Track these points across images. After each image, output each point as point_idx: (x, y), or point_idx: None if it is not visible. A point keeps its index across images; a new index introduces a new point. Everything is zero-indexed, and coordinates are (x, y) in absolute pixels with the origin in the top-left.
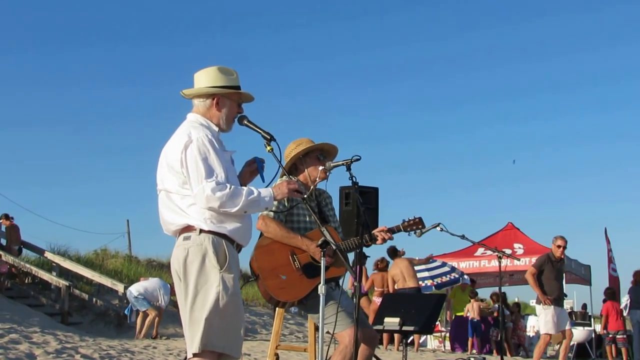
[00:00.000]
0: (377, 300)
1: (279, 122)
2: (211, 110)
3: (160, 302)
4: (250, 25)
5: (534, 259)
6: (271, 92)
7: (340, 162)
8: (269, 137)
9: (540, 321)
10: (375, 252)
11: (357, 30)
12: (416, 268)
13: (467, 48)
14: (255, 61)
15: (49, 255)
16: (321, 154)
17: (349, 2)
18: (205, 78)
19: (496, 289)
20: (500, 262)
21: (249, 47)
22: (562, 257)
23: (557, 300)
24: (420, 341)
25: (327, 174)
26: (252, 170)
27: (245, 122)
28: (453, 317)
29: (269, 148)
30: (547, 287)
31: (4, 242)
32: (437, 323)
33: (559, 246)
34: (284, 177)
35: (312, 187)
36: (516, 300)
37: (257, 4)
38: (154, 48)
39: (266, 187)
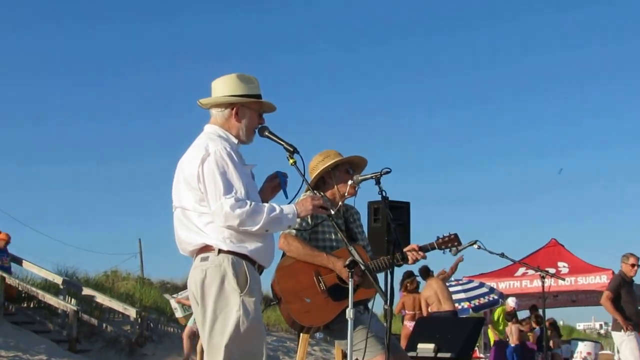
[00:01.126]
0: (408, 324)
1: (300, 131)
2: (230, 121)
3: None
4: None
5: (580, 279)
6: (288, 97)
7: (369, 176)
8: (292, 149)
9: (624, 350)
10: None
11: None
12: (452, 289)
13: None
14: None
15: (55, 277)
16: (350, 167)
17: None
18: (224, 86)
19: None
20: (543, 283)
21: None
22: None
23: (637, 325)
24: None
25: (356, 188)
26: (274, 185)
27: (267, 133)
28: (493, 342)
29: (292, 161)
30: (627, 311)
31: None
32: (475, 349)
33: (633, 265)
34: (308, 192)
35: (339, 203)
36: (561, 323)
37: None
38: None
39: (289, 203)
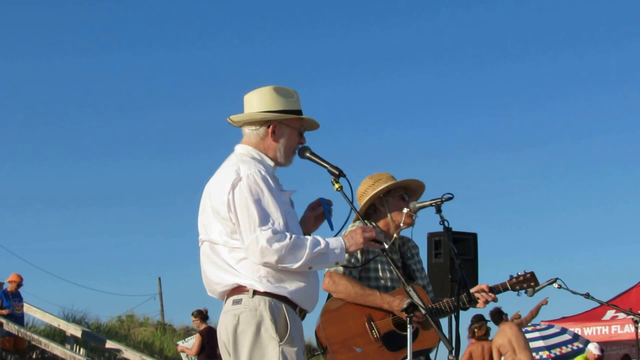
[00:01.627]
0: None
1: (345, 151)
2: (266, 141)
3: None
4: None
5: None
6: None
7: (428, 202)
8: (337, 173)
9: None
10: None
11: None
12: (528, 336)
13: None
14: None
15: (61, 322)
16: (405, 192)
17: None
18: (259, 100)
19: None
20: (637, 328)
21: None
22: None
23: None
24: None
25: (413, 217)
26: (317, 215)
27: (308, 154)
28: None
29: (337, 186)
30: None
31: None
32: None
33: None
34: (358, 222)
35: (394, 235)
36: None
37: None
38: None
39: (335, 235)
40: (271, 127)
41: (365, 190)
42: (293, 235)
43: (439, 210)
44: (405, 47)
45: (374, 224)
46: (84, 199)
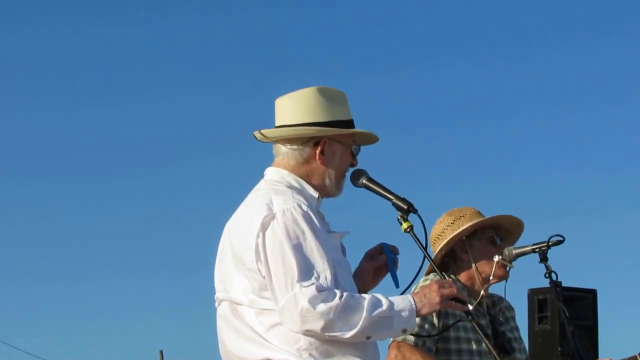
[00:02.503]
0: None
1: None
2: (312, 164)
3: None
4: None
5: None
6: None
7: (529, 248)
8: (406, 207)
9: None
10: None
11: None
12: None
13: None
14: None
15: None
16: (497, 234)
17: None
18: (304, 109)
19: None
20: None
21: None
22: None
23: None
24: None
25: (508, 268)
26: (378, 266)
27: (365, 180)
28: None
29: (405, 225)
30: None
31: None
32: None
33: None
34: (432, 275)
35: (482, 292)
36: None
37: None
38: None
39: (403, 293)
40: (320, 145)
41: (443, 232)
42: (345, 294)
43: (544, 259)
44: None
45: (453, 277)
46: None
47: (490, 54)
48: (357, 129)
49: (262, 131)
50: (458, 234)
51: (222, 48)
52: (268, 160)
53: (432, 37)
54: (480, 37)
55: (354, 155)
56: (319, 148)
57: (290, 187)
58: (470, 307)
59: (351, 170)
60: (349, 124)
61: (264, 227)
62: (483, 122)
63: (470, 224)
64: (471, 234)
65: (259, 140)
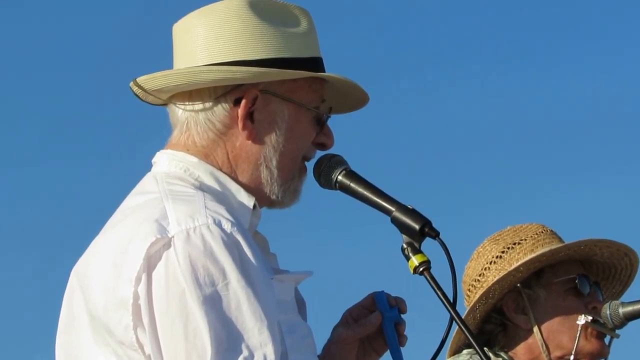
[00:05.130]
0: None
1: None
2: (234, 140)
3: None
4: None
5: None
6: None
7: None
8: (417, 227)
9: None
10: None
11: None
12: None
13: None
14: None
15: None
16: (584, 275)
17: None
18: (212, 35)
19: None
20: None
21: None
22: None
23: None
24: None
25: (609, 340)
26: (369, 336)
27: (341, 176)
28: None
29: (417, 262)
30: None
31: None
32: None
33: None
34: (465, 352)
35: None
36: None
37: None
38: None
39: None
40: (244, 100)
41: (483, 273)
42: None
43: None
44: None
45: (505, 356)
46: None
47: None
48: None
49: (140, 79)
50: (508, 276)
51: None
52: None
53: None
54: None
55: (321, 126)
56: (244, 107)
57: (202, 187)
58: None
59: (318, 155)
60: (311, 64)
61: (150, 264)
62: None
63: (531, 257)
64: (534, 276)
65: (143, 100)
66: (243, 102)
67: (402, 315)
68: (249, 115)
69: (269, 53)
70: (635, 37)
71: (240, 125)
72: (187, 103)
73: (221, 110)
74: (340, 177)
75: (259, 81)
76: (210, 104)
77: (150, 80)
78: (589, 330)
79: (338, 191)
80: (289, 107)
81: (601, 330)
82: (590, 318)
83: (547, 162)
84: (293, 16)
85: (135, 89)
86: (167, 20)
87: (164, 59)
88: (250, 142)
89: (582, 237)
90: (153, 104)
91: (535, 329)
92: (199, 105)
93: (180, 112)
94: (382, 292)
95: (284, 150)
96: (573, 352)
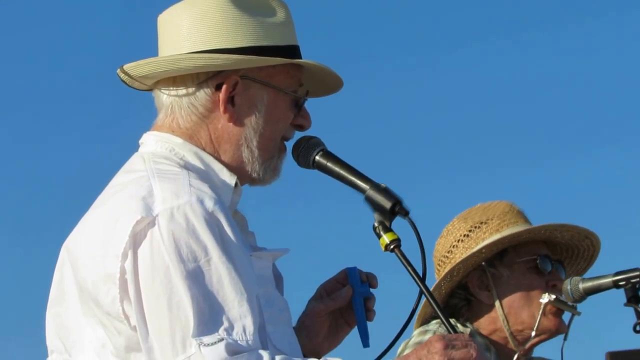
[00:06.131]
0: None
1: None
2: (215, 122)
3: None
4: None
5: None
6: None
7: (608, 280)
8: (388, 206)
9: None
10: None
11: None
12: None
13: None
14: None
15: None
16: (546, 255)
17: None
18: (194, 25)
19: None
20: None
21: None
22: None
23: None
24: None
25: (570, 317)
26: (340, 309)
27: (318, 156)
28: None
29: (388, 239)
30: None
31: None
32: None
33: None
34: (433, 324)
35: (517, 356)
36: None
37: None
38: None
39: (380, 357)
40: (225, 86)
41: (451, 250)
42: (277, 358)
43: (635, 299)
44: None
45: (470, 326)
46: None
47: None
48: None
49: (126, 66)
50: (471, 257)
51: None
52: None
53: None
54: None
55: (299, 109)
56: (225, 92)
57: (187, 166)
58: None
59: (297, 136)
60: (289, 51)
61: (136, 241)
62: None
63: (493, 239)
64: (498, 256)
65: (129, 86)
66: (224, 87)
67: (373, 291)
68: (230, 100)
69: (249, 41)
70: None
71: (221, 108)
72: (171, 88)
73: (203, 95)
74: (317, 157)
75: (238, 67)
76: (193, 89)
77: (136, 67)
78: (549, 307)
79: (315, 169)
80: (268, 92)
81: (562, 307)
82: (553, 297)
83: (516, 141)
84: (271, 7)
85: (122, 75)
86: (153, 10)
87: (149, 47)
88: (231, 124)
89: (550, 214)
90: (139, 90)
91: (497, 304)
92: (182, 91)
93: (165, 97)
94: (355, 267)
95: (264, 131)
96: (535, 328)
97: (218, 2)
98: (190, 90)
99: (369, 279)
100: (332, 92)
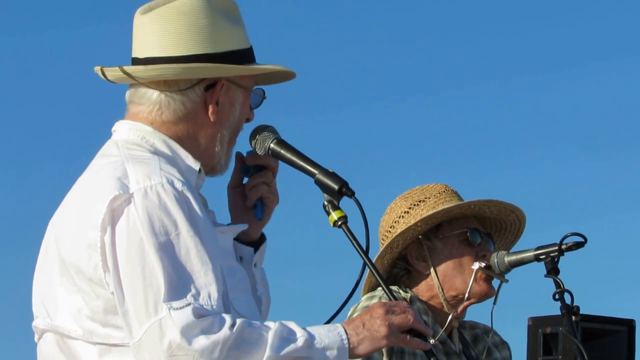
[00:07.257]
0: None
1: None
2: (197, 120)
3: None
4: None
5: None
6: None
7: (531, 253)
8: (336, 187)
9: None
10: None
11: None
12: None
13: None
14: None
15: None
16: (476, 229)
17: None
18: (184, 29)
19: None
20: None
21: None
22: None
23: None
24: None
25: (499, 284)
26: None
27: (273, 144)
28: None
29: (336, 216)
30: None
31: None
32: None
33: None
34: (377, 291)
35: (450, 317)
36: None
37: None
38: None
39: (330, 320)
40: (216, 88)
41: (393, 226)
42: (239, 321)
43: (553, 271)
44: None
45: (410, 292)
46: None
47: None
48: (261, 63)
49: (128, 68)
50: (408, 230)
51: None
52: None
53: None
54: None
55: (252, 106)
56: (215, 95)
57: (156, 152)
58: (432, 342)
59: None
60: (247, 55)
61: (113, 216)
62: None
63: (428, 214)
64: (433, 230)
65: (111, 81)
66: (215, 89)
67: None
68: (215, 102)
69: (231, 45)
70: None
71: (210, 109)
72: (163, 87)
73: (195, 95)
74: (272, 145)
75: (226, 75)
76: (187, 91)
77: (145, 72)
78: (479, 274)
79: (270, 156)
80: (241, 92)
81: (490, 274)
82: (483, 264)
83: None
84: (233, 10)
85: (98, 72)
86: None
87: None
88: (212, 122)
89: (481, 195)
90: (114, 82)
91: (433, 273)
92: (175, 89)
93: (156, 94)
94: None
95: (234, 127)
96: (467, 292)
97: (199, 6)
98: (183, 89)
99: (262, 163)
100: (283, 81)
